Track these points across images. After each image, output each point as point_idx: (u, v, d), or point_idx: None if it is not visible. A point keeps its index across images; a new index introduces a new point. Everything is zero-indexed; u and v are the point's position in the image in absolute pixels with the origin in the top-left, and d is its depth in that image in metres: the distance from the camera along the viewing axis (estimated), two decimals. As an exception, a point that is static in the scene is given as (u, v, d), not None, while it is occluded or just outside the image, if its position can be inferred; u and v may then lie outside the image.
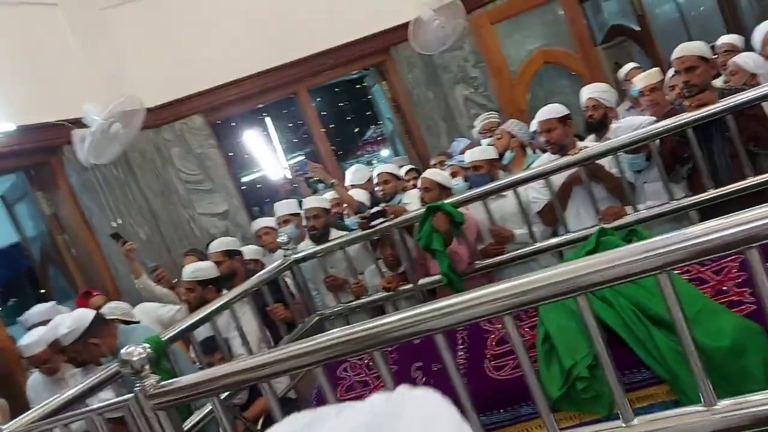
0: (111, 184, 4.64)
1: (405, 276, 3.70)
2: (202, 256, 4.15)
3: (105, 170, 4.60)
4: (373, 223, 3.68)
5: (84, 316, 2.86)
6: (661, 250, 1.23)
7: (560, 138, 3.19)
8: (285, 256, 3.90)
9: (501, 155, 3.86)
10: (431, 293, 3.64)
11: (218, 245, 4.10)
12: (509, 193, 3.34)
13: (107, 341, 2.73)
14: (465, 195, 3.37)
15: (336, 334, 1.60)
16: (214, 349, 3.30)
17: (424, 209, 3.37)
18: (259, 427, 3.25)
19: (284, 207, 4.48)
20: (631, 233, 2.41)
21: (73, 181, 4.48)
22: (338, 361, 2.48)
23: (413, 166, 4.96)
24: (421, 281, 3.64)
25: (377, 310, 3.87)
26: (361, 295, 3.84)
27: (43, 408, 2.06)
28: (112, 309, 3.36)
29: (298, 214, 4.43)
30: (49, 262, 4.83)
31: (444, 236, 3.24)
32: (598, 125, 3.41)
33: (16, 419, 2.10)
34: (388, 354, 2.52)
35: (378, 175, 4.26)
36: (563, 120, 3.26)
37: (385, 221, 3.60)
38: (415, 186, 4.29)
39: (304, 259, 3.88)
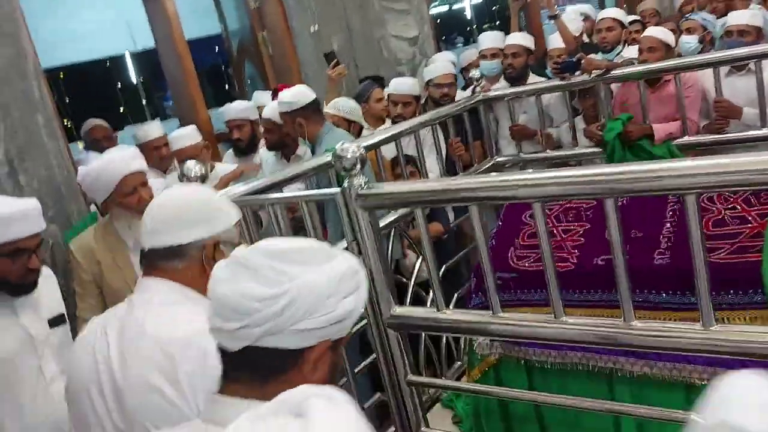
0: (315, -12, 4.60)
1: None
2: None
3: (311, -27, 4.55)
4: (573, 77, 3.44)
5: (305, 92, 3.01)
6: None
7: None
8: (474, 92, 3.78)
9: None
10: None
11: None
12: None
13: (312, 128, 2.86)
14: (697, 58, 2.98)
15: (567, 172, 1.49)
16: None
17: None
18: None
19: (490, 39, 4.14)
20: None
21: (281, -22, 4.49)
22: (527, 207, 2.41)
23: (638, 18, 4.30)
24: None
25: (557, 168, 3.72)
26: (547, 149, 3.67)
27: (253, 183, 2.19)
28: (342, 105, 3.35)
29: (503, 49, 4.16)
30: (246, 57, 5.02)
31: None
32: None
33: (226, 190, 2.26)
34: (583, 211, 2.40)
35: (601, 20, 3.77)
36: None
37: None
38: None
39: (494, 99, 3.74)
